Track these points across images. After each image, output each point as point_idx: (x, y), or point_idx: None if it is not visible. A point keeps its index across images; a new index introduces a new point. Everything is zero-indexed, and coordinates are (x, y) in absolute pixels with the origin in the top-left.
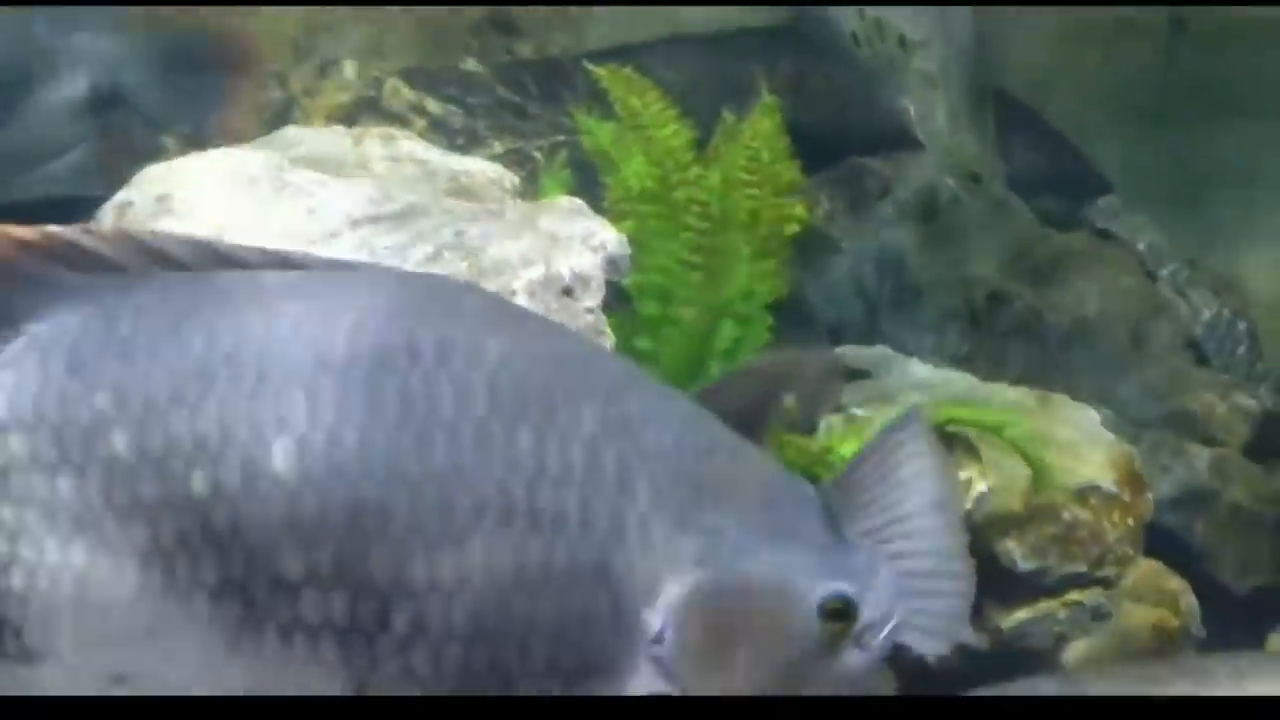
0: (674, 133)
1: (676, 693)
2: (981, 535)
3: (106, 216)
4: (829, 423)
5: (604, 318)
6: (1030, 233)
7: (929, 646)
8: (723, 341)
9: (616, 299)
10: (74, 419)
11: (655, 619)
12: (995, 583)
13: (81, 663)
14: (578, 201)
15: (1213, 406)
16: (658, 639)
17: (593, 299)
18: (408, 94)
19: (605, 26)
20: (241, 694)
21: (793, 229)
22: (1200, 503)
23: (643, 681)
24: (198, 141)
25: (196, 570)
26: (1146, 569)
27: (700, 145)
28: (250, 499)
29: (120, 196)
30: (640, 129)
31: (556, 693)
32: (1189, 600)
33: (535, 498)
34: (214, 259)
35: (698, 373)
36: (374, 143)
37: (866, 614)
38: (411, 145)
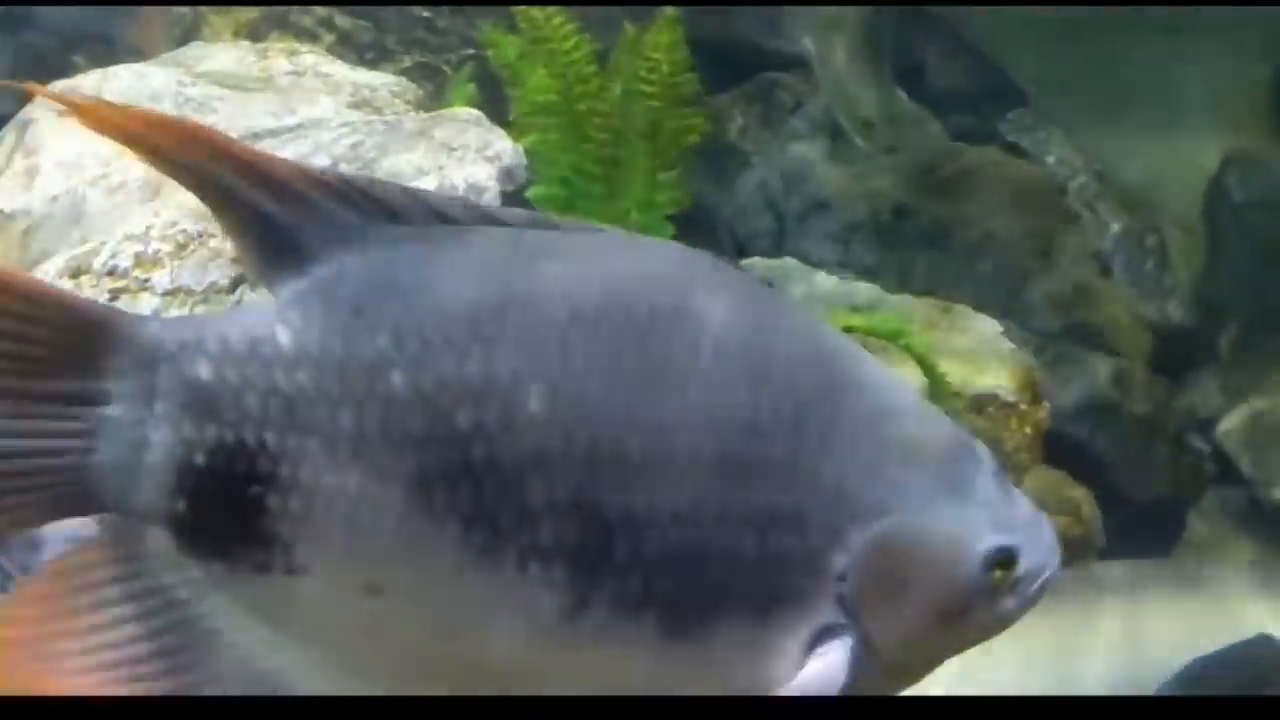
0: (575, 45)
1: (853, 626)
2: None
3: (8, 134)
4: None
5: None
6: (940, 147)
7: None
8: None
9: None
10: (357, 357)
11: (840, 560)
12: None
13: (342, 576)
14: (474, 113)
15: (1117, 319)
16: (841, 577)
17: None
18: (318, 9)
19: None
20: (478, 609)
21: (692, 140)
22: (1102, 414)
23: (825, 615)
24: (110, 59)
25: (453, 498)
26: (1049, 478)
27: (605, 58)
28: (506, 436)
29: (24, 113)
30: (542, 42)
31: (749, 621)
32: (1091, 509)
33: (747, 448)
34: (482, 217)
35: None
36: (279, 58)
37: (1024, 565)
38: (315, 59)
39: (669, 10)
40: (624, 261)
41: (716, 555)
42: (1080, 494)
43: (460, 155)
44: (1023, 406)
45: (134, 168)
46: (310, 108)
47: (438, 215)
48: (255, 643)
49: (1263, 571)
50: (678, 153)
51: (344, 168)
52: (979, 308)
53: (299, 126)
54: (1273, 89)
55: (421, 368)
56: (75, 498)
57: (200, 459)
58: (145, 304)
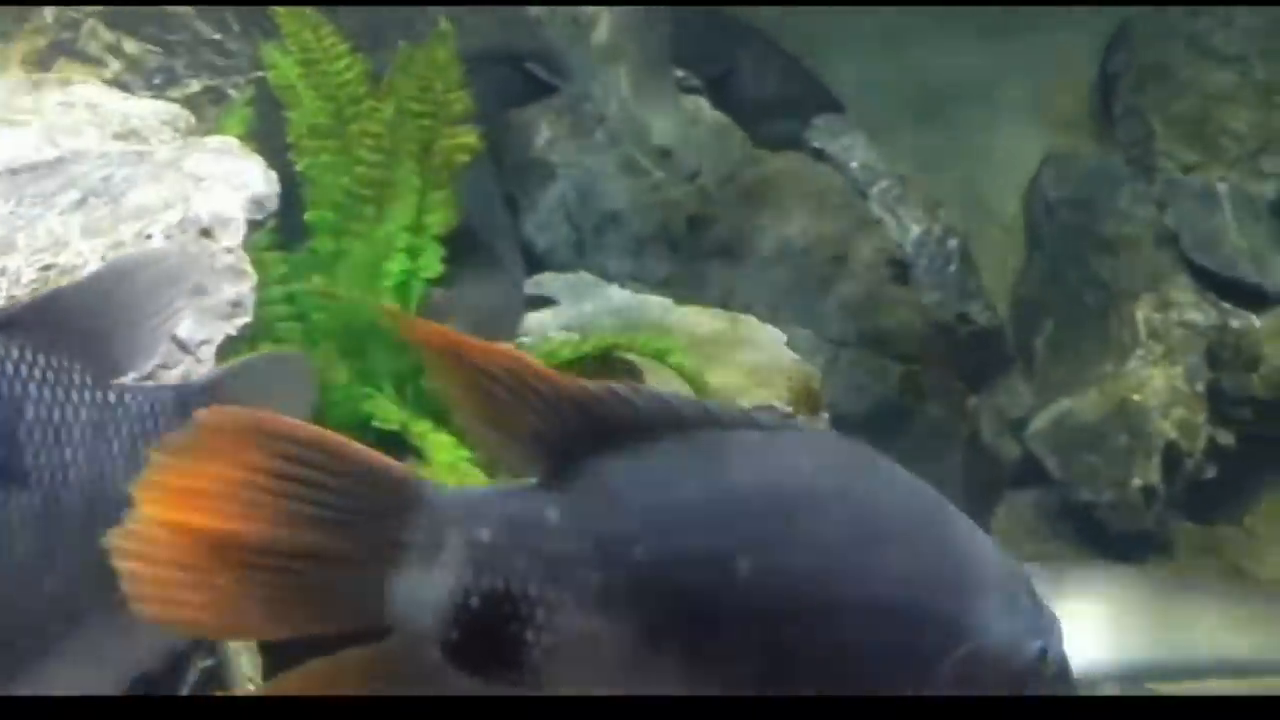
0: (347, 66)
1: None
2: None
3: None
4: None
5: (245, 256)
6: (740, 155)
7: None
8: (393, 276)
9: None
10: (609, 533)
11: (944, 671)
12: None
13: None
14: (230, 140)
15: (910, 324)
16: (942, 682)
17: (232, 239)
18: (105, 35)
19: None
20: None
21: (464, 159)
22: (896, 420)
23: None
24: None
25: (671, 640)
26: None
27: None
28: (717, 594)
29: None
30: (313, 64)
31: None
32: None
33: (891, 597)
34: (707, 417)
35: (370, 306)
36: (52, 88)
37: (1051, 656)
38: (87, 90)
39: (443, 26)
40: (811, 456)
41: (858, 673)
42: None
43: (208, 186)
44: (800, 418)
45: None
46: (74, 139)
47: (674, 419)
48: None
49: (1057, 571)
50: (449, 172)
51: (93, 201)
52: (775, 317)
53: (58, 160)
54: (1098, 90)
55: (659, 544)
56: (371, 614)
57: (475, 601)
58: None
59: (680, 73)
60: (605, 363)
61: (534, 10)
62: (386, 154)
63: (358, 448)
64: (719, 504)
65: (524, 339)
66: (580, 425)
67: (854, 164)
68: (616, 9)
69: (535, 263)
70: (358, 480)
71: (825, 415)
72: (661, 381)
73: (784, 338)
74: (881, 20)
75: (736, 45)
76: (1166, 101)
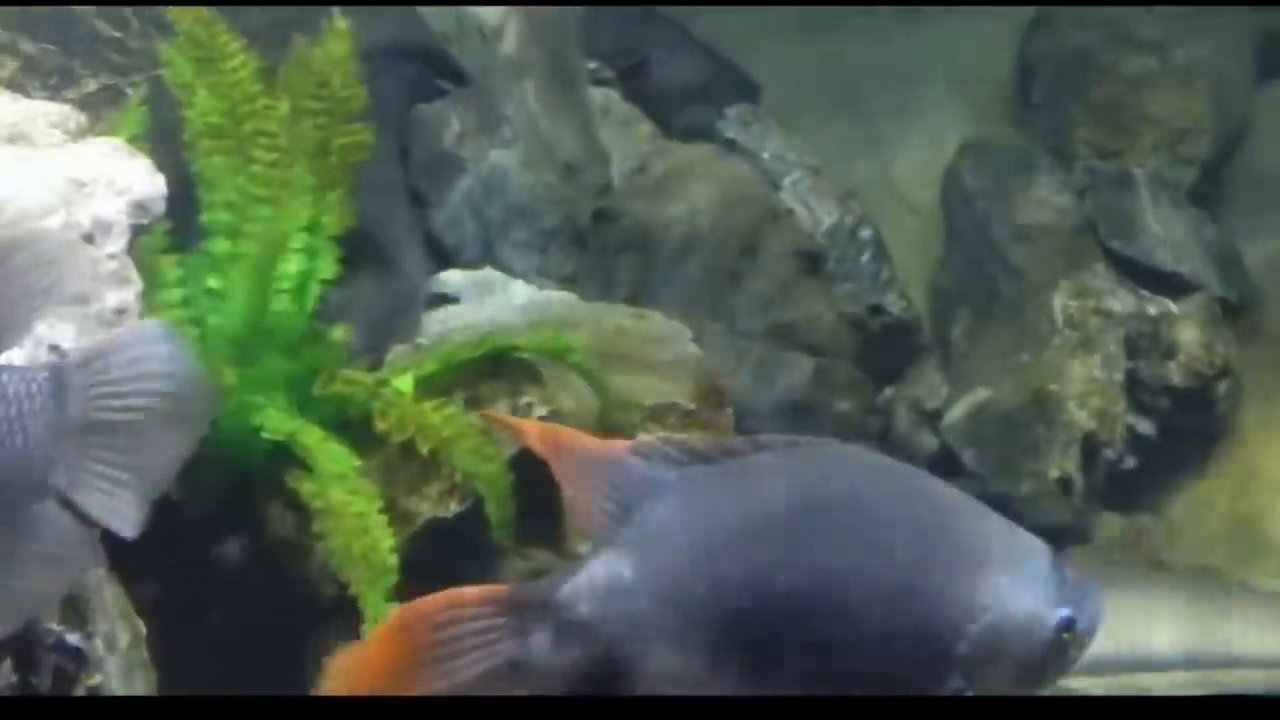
0: (241, 64)
1: (972, 690)
2: None
3: None
4: (396, 353)
5: (129, 262)
6: (649, 147)
7: (118, 526)
8: (289, 277)
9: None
10: (671, 579)
11: (962, 647)
12: None
13: None
14: (116, 142)
15: (820, 316)
16: (964, 657)
17: (115, 245)
18: (0, 35)
19: None
20: None
21: (361, 157)
22: (805, 414)
23: (954, 684)
24: None
25: (730, 651)
26: None
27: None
28: (762, 608)
29: None
30: (207, 62)
31: (902, 690)
32: None
33: (906, 586)
34: (724, 451)
35: (266, 310)
36: None
37: (1080, 624)
38: None
39: (339, 23)
40: (818, 469)
41: (886, 652)
42: None
43: (90, 190)
44: (704, 415)
45: None
46: None
47: (698, 458)
48: None
49: None
50: (346, 171)
51: None
52: (685, 311)
53: None
54: (1016, 77)
55: (711, 576)
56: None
57: (584, 666)
58: None
59: (593, 64)
60: (503, 363)
61: (439, 26)
62: (282, 153)
63: (474, 591)
64: (747, 535)
65: (421, 340)
66: (633, 486)
67: (766, 154)
68: (524, 17)
69: (444, 259)
70: (488, 616)
71: (730, 412)
72: (561, 381)
73: (690, 334)
74: (800, 8)
75: (651, 35)
76: (1085, 88)
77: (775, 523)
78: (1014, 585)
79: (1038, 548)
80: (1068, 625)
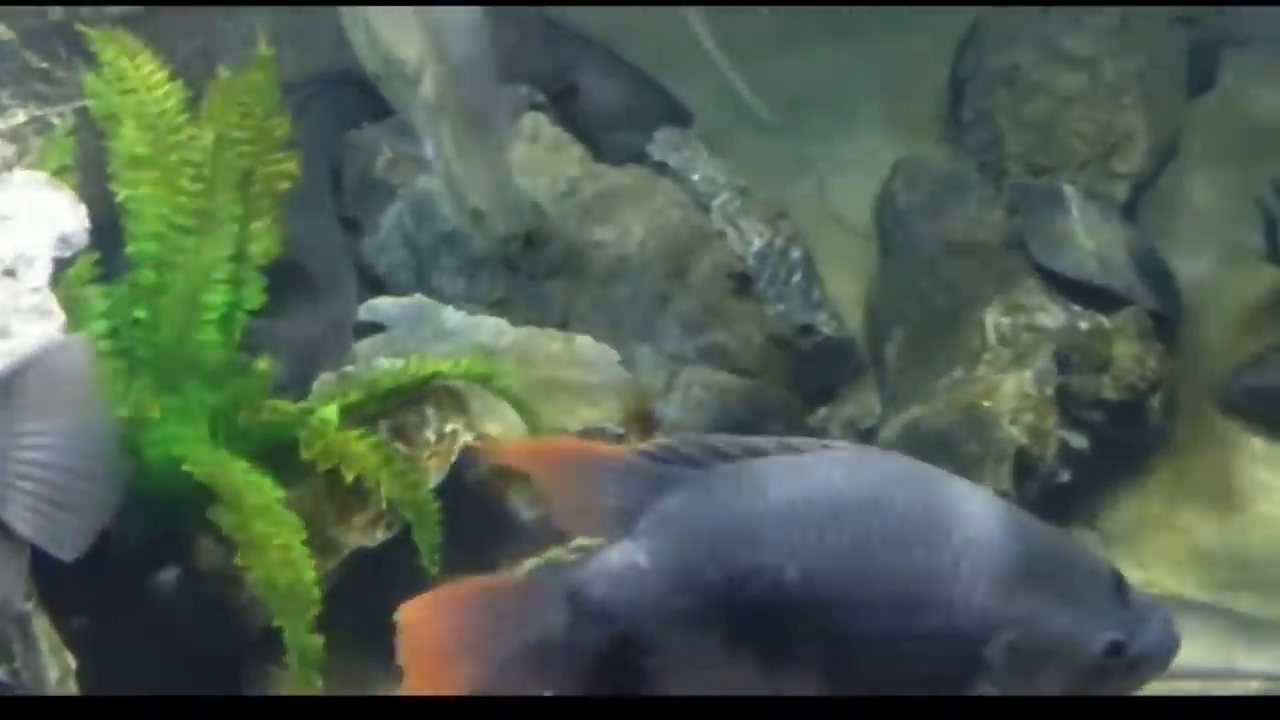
0: (166, 94)
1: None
2: (484, 488)
3: None
4: (323, 381)
5: (51, 296)
6: (579, 171)
7: (62, 554)
8: (215, 308)
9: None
10: (685, 564)
11: (990, 654)
12: (502, 534)
13: (683, 687)
14: (38, 175)
15: (750, 337)
16: (990, 666)
17: (37, 278)
18: None
19: None
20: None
21: (285, 185)
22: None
23: (981, 690)
24: None
25: (747, 637)
26: None
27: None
28: (775, 596)
29: None
30: (131, 93)
31: (928, 693)
32: None
33: (925, 590)
34: (746, 449)
35: (192, 341)
36: None
37: (1134, 650)
38: None
39: (262, 51)
40: (842, 470)
41: (911, 653)
42: None
43: (11, 225)
44: (632, 439)
45: None
46: None
47: (717, 454)
48: None
49: None
50: (272, 200)
51: None
52: (615, 334)
53: None
54: (948, 94)
55: (725, 563)
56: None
57: (603, 644)
58: None
59: (524, 88)
60: (428, 390)
61: (369, 66)
62: (207, 183)
63: (495, 580)
64: (762, 525)
65: (348, 369)
66: (644, 485)
67: (695, 177)
68: (443, 61)
69: (377, 286)
70: (510, 602)
71: (658, 435)
72: (488, 407)
73: (618, 357)
74: (731, 28)
75: (583, 59)
76: (1016, 105)
77: (789, 516)
78: (1052, 603)
79: (1098, 570)
80: (1114, 649)
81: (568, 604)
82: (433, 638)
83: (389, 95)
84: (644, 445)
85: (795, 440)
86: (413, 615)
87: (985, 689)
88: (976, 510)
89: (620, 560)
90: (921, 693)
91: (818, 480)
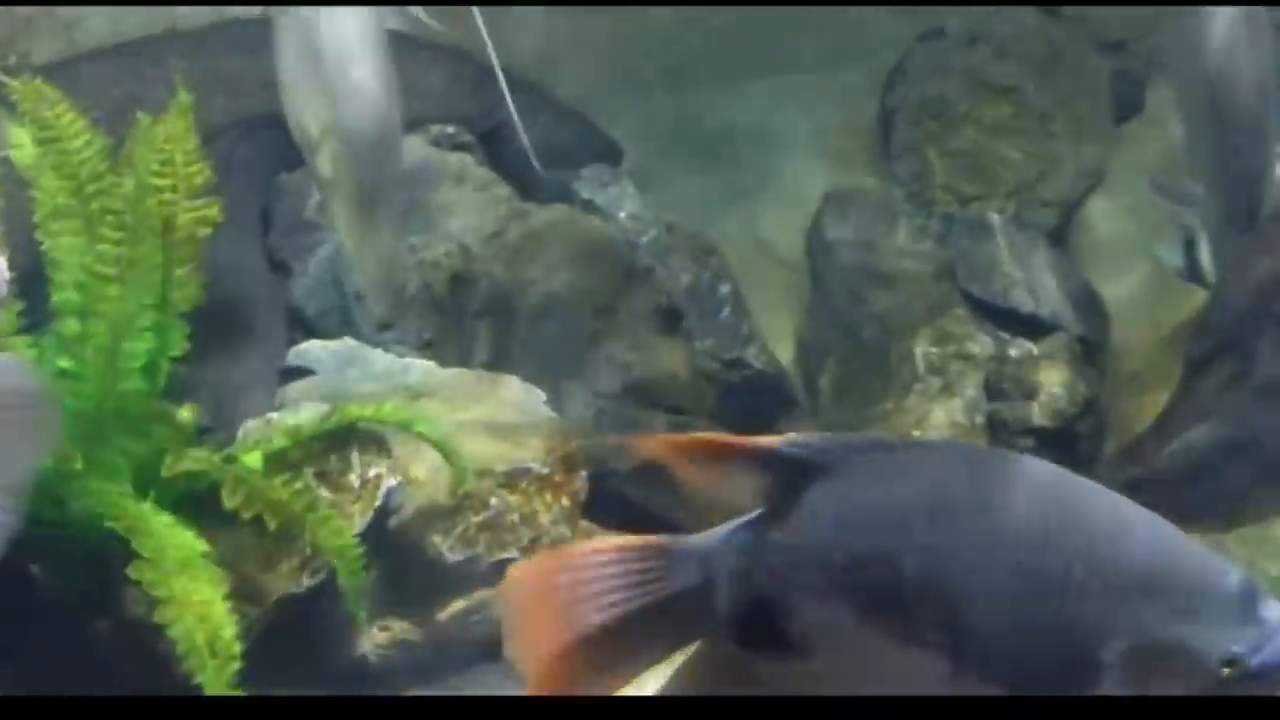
0: (86, 143)
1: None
2: (408, 531)
3: None
4: (247, 429)
5: None
6: (506, 211)
7: None
8: (138, 356)
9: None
10: (815, 542)
11: (1107, 656)
12: (427, 576)
13: (828, 656)
14: None
15: (676, 374)
16: (1110, 670)
17: None
18: None
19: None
20: (886, 673)
21: (206, 232)
22: (662, 473)
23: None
24: None
25: (871, 611)
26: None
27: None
28: (890, 584)
29: None
30: (52, 142)
31: (1046, 692)
32: None
33: (1034, 588)
34: (875, 444)
35: (116, 390)
36: None
37: (1254, 664)
38: None
39: (181, 98)
40: (959, 465)
41: (1034, 648)
42: None
43: None
44: (557, 478)
45: None
46: None
47: (846, 445)
48: (783, 688)
49: None
50: (193, 247)
51: None
52: (544, 373)
53: None
54: (878, 126)
55: (849, 548)
56: (689, 636)
57: (741, 608)
58: None
59: (451, 129)
60: (352, 435)
61: (295, 136)
62: (129, 231)
63: (621, 541)
64: (882, 515)
65: (273, 415)
66: (781, 473)
67: (623, 214)
68: (338, 139)
69: (306, 329)
70: (641, 560)
71: (583, 474)
72: (413, 450)
73: (544, 397)
74: (661, 63)
75: (511, 98)
76: (944, 135)
77: (907, 508)
78: (1169, 612)
79: (1223, 581)
80: (1231, 661)
81: (699, 567)
82: (541, 592)
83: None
84: (781, 438)
85: (928, 440)
86: (523, 570)
87: (1110, 692)
88: (1097, 514)
89: (753, 534)
90: (1047, 692)
91: (936, 475)
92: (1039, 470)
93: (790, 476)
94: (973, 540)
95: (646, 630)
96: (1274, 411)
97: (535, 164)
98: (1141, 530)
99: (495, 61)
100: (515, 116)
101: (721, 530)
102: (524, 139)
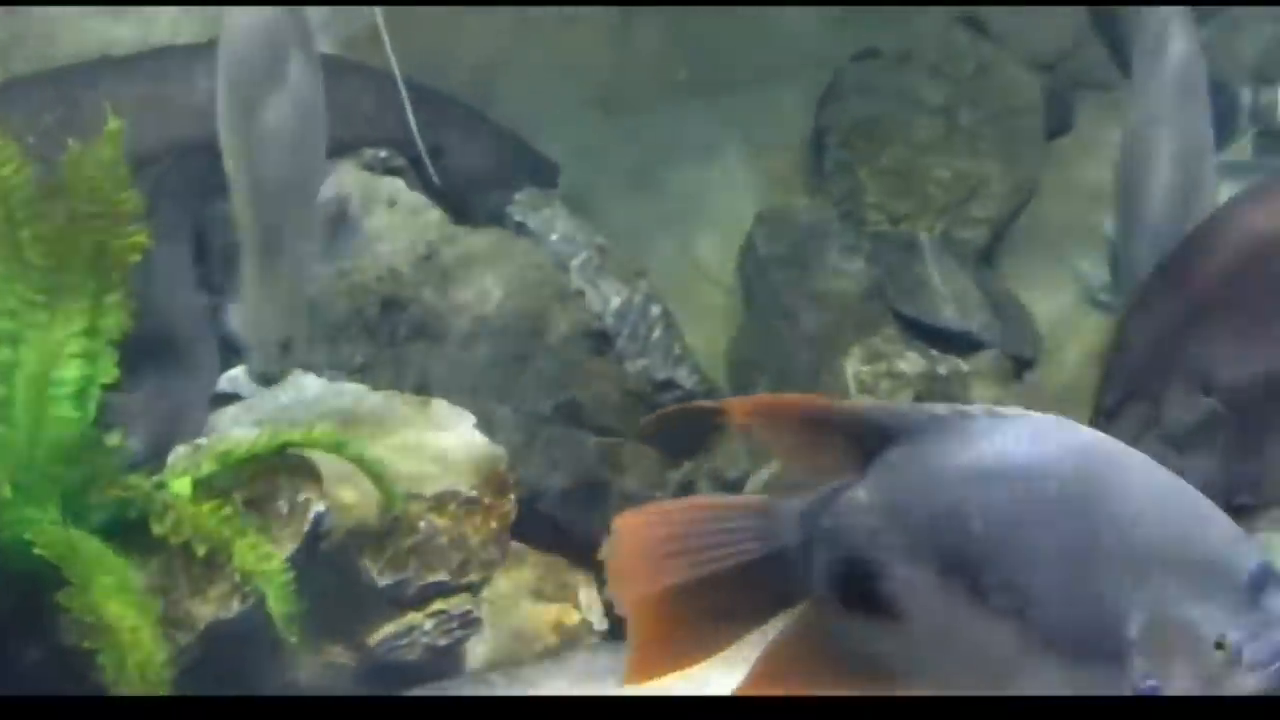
0: (15, 170)
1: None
2: (338, 555)
3: None
4: (177, 454)
5: None
6: (437, 235)
7: None
8: (68, 383)
9: None
10: (898, 505)
11: (1128, 631)
12: (357, 600)
13: (921, 617)
14: None
15: (606, 395)
16: (1129, 643)
17: None
18: None
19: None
20: (965, 635)
21: (135, 259)
22: (591, 494)
23: (1139, 670)
24: None
25: (953, 574)
26: (547, 565)
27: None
28: (962, 544)
29: None
30: None
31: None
32: (589, 594)
33: (1072, 556)
34: (956, 412)
35: (46, 416)
36: None
37: (1247, 655)
38: None
39: (111, 126)
40: (1028, 437)
41: (1075, 623)
42: (580, 579)
43: None
44: (486, 501)
45: None
46: None
47: (920, 413)
48: (880, 649)
49: None
50: (123, 273)
51: None
52: (474, 396)
53: None
54: (811, 145)
55: (929, 509)
56: (788, 598)
57: (837, 567)
58: None
59: (383, 153)
60: (281, 460)
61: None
62: (58, 258)
63: (721, 499)
64: (955, 478)
65: (202, 440)
66: (870, 436)
67: (554, 236)
68: (248, 184)
69: (240, 354)
70: (744, 518)
71: (512, 497)
72: (342, 475)
73: (473, 420)
74: (596, 86)
75: (446, 121)
76: (875, 154)
77: (977, 473)
78: (1181, 589)
79: (1241, 563)
80: (1221, 644)
81: (800, 525)
82: (645, 541)
83: None
84: (870, 403)
85: (1000, 409)
86: (629, 520)
87: (1137, 663)
88: (1132, 487)
89: (846, 496)
90: (1088, 656)
91: (998, 444)
92: (1091, 440)
93: (879, 441)
94: (1021, 508)
95: (746, 587)
96: (1183, 460)
97: (434, 178)
98: (1167, 503)
99: (395, 67)
100: (415, 128)
101: (820, 493)
102: (423, 151)
